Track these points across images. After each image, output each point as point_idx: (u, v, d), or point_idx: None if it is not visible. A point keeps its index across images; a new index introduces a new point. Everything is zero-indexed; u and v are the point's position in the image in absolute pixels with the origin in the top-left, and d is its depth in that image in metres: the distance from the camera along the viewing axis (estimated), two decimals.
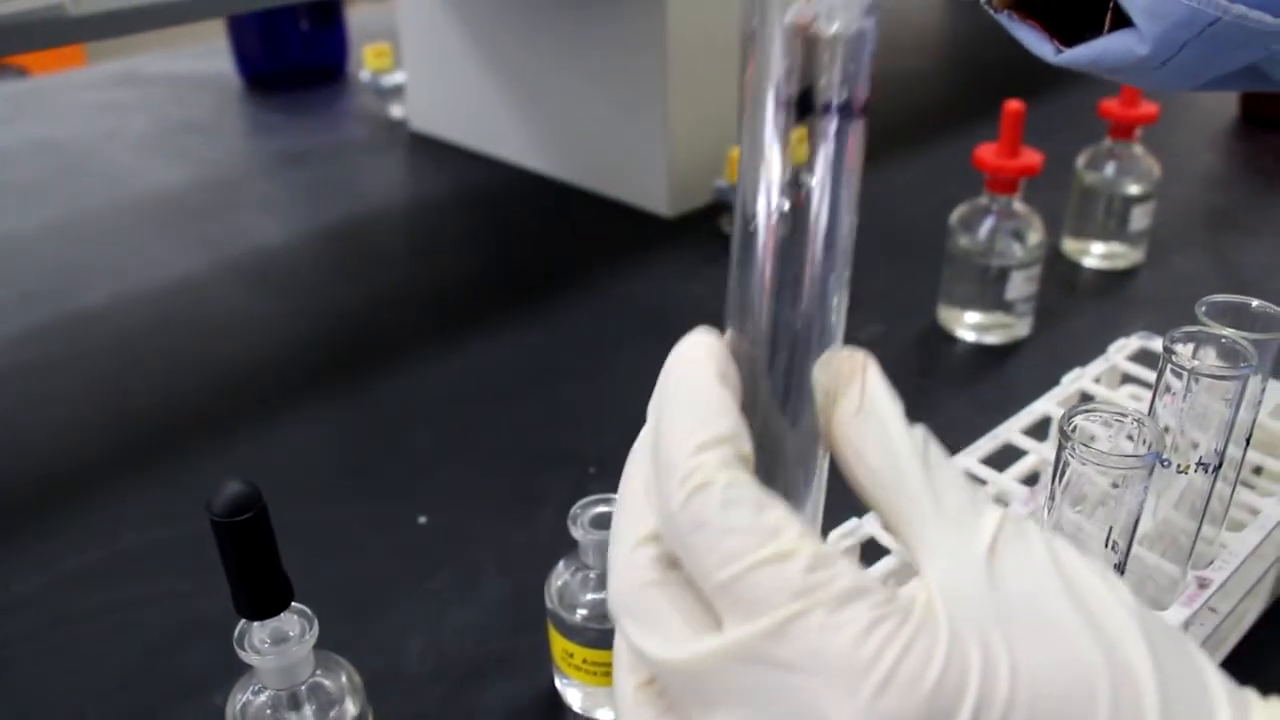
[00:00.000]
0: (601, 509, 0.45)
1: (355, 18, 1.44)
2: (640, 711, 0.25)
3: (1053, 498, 0.36)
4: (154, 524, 0.62)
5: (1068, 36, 0.38)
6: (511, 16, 1.04)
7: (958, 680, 0.21)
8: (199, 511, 0.63)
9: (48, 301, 0.87)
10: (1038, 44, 0.39)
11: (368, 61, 1.24)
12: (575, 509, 0.45)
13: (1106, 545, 0.35)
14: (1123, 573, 0.36)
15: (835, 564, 0.22)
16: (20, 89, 1.46)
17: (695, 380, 0.25)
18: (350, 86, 1.36)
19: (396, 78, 1.22)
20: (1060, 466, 0.35)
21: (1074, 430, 0.34)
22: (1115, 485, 0.34)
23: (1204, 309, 0.41)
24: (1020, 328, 0.79)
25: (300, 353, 0.80)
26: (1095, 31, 0.37)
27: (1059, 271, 0.89)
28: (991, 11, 0.40)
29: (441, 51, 1.12)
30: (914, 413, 0.77)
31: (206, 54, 1.45)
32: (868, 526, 0.46)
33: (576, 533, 0.45)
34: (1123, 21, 0.36)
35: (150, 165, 1.14)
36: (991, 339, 0.78)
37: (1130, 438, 0.34)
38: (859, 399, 0.25)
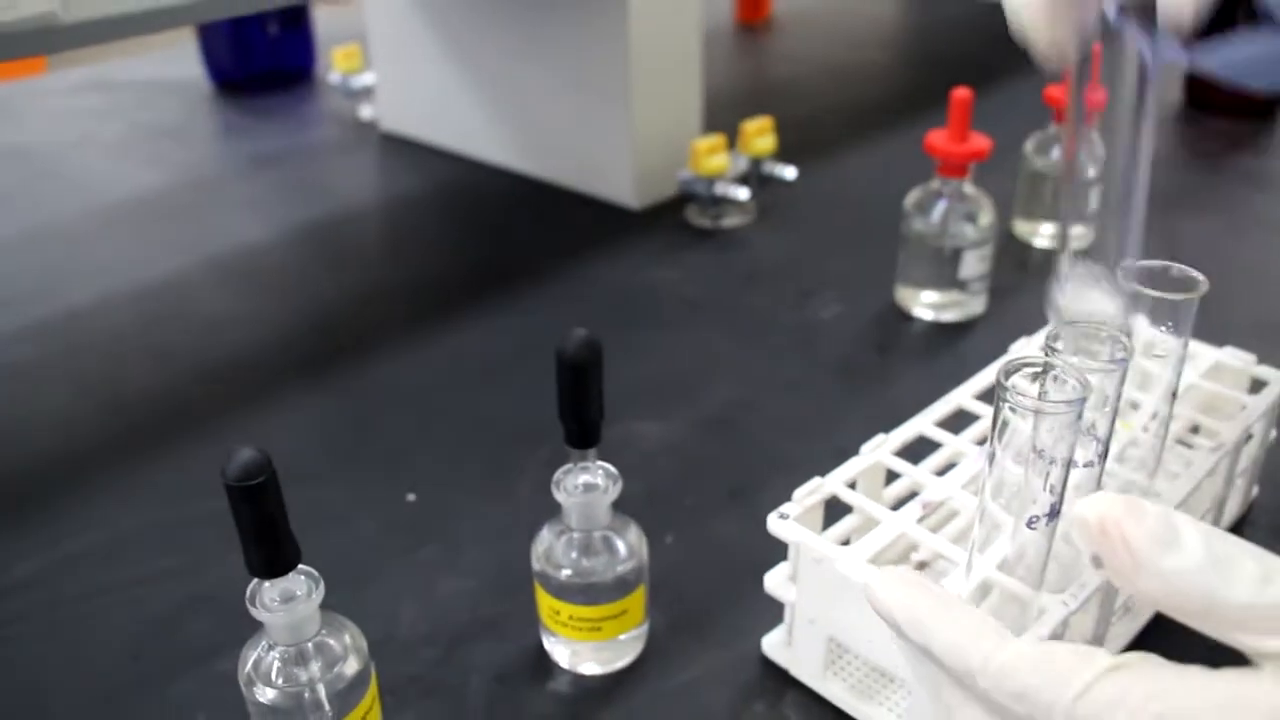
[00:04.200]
0: (585, 478, 0.48)
1: (323, 20, 1.46)
2: None
3: (994, 452, 0.39)
4: (149, 509, 0.64)
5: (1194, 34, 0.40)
6: (478, 17, 1.07)
7: None
8: (192, 496, 0.66)
9: (32, 304, 0.89)
10: (1161, 46, 0.41)
11: (337, 63, 1.27)
12: (558, 474, 0.48)
13: (1045, 489, 0.39)
14: (1058, 515, 0.40)
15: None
16: None
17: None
18: (319, 89, 1.39)
19: (366, 79, 1.25)
20: (998, 420, 0.39)
21: (1009, 383, 0.37)
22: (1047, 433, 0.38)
23: (1131, 274, 0.45)
24: (974, 305, 0.82)
25: (284, 346, 0.82)
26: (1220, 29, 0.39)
27: (1011, 252, 0.93)
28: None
29: (410, 52, 1.15)
30: (874, 386, 0.81)
31: (173, 59, 1.46)
32: (829, 485, 0.49)
33: (560, 496, 0.48)
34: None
35: (123, 170, 1.16)
36: (948, 316, 0.82)
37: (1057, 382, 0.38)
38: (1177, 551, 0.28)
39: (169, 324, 0.86)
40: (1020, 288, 0.87)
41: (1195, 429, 0.61)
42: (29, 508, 0.65)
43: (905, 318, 0.83)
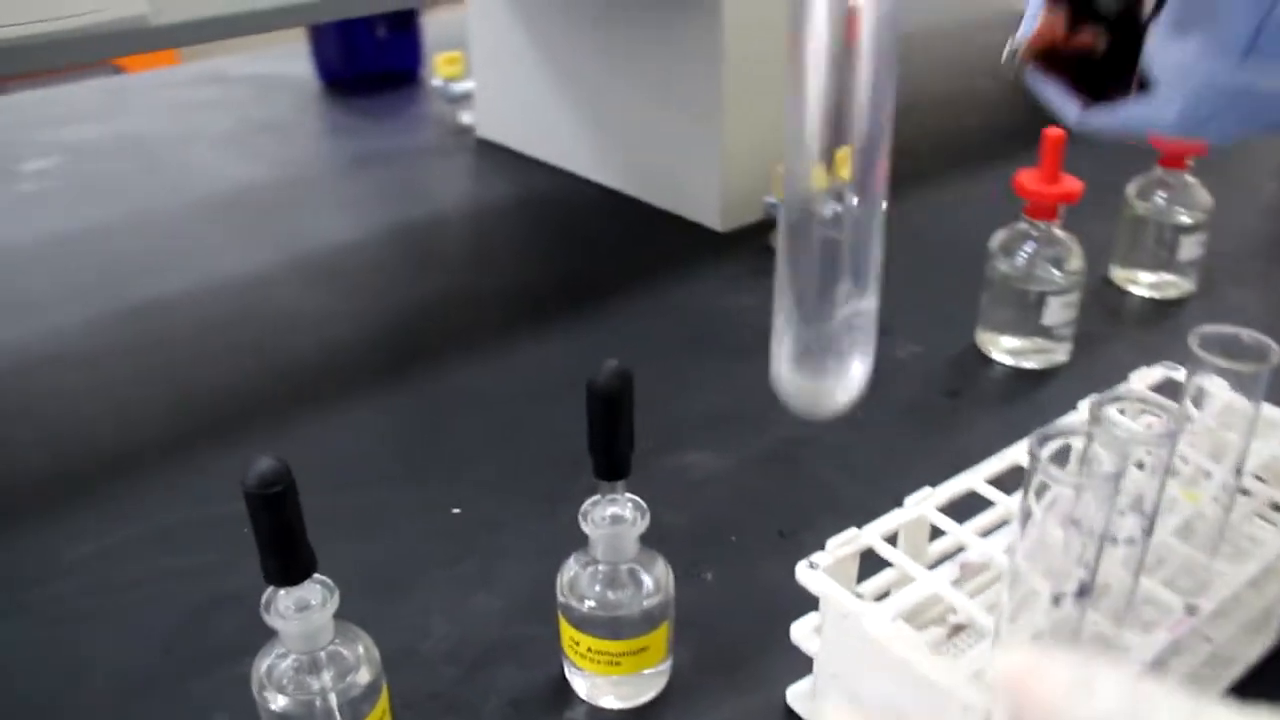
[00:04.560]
0: (613, 509, 0.48)
1: (430, 26, 1.48)
2: None
3: (1028, 509, 0.37)
4: (201, 502, 0.66)
5: (1094, 93, 0.39)
6: (577, 29, 1.07)
7: None
8: None
9: (125, 289, 0.92)
10: (1062, 103, 0.40)
11: (439, 69, 1.29)
12: (586, 505, 0.48)
13: (1077, 564, 0.37)
14: (1088, 593, 0.38)
15: None
16: (113, 86, 1.53)
17: None
18: (423, 92, 1.41)
19: (466, 85, 1.26)
20: (1035, 478, 0.37)
21: (1044, 454, 0.36)
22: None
23: (1197, 340, 0.42)
24: (1058, 353, 0.79)
25: (359, 346, 0.84)
26: (1120, 89, 0.38)
27: (1105, 299, 0.89)
28: (1014, 68, 0.41)
29: (509, 61, 1.15)
30: (944, 432, 0.78)
31: (288, 56, 1.50)
32: (865, 537, 0.48)
33: (587, 528, 0.47)
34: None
35: (228, 163, 1.19)
36: (1029, 364, 0.79)
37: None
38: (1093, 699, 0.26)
39: (252, 318, 0.87)
40: (1110, 337, 0.83)
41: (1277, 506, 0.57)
42: (90, 494, 0.67)
43: (984, 362, 0.80)
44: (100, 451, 0.72)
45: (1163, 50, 0.35)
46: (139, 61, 2.21)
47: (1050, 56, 0.41)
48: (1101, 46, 0.39)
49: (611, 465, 0.45)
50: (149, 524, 0.64)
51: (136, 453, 0.71)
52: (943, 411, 0.75)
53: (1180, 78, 0.34)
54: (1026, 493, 0.38)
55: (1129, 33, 0.39)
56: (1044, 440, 0.37)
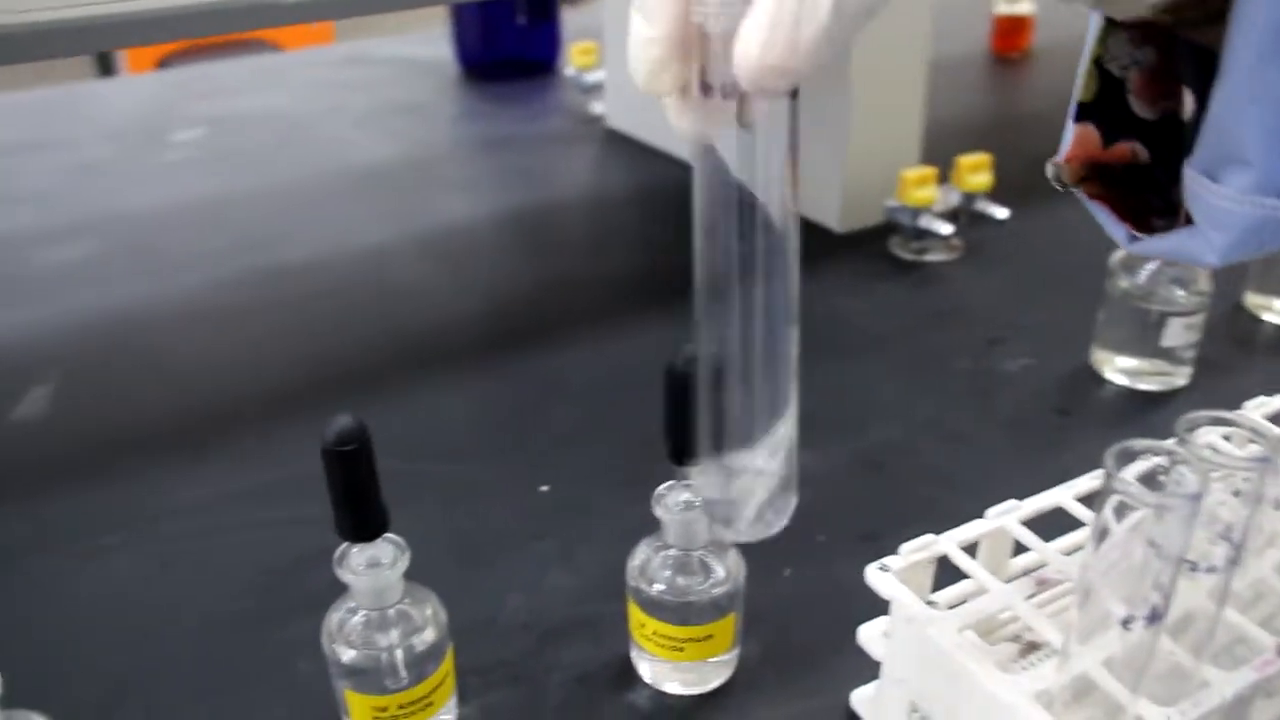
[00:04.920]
0: (686, 495, 0.48)
1: (569, 17, 1.50)
2: None
3: (1105, 526, 0.36)
4: (306, 459, 0.68)
5: (1138, 217, 0.37)
6: None
7: None
8: None
9: (254, 254, 0.96)
10: (1112, 226, 0.38)
11: (573, 58, 1.30)
12: (660, 490, 0.48)
13: (1151, 586, 0.36)
14: (1160, 619, 0.36)
15: None
16: (267, 62, 1.59)
17: None
18: (558, 81, 1.43)
19: (598, 75, 1.28)
20: (1112, 499, 0.36)
21: (1123, 470, 0.34)
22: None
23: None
24: (1177, 377, 0.76)
25: (466, 323, 0.86)
26: (1163, 216, 0.36)
27: (1236, 324, 0.86)
28: (1061, 188, 0.39)
29: None
30: (1048, 450, 0.76)
31: (431, 41, 1.54)
32: (941, 544, 0.47)
33: (659, 512, 0.47)
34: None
35: (363, 140, 1.23)
36: (1145, 385, 0.76)
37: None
38: None
39: (365, 290, 0.90)
40: (1237, 365, 0.80)
41: None
42: (208, 444, 0.71)
43: (1097, 381, 0.78)
44: (218, 404, 0.75)
45: (1197, 196, 0.33)
46: (295, 39, 2.30)
47: (1094, 173, 0.38)
48: (1143, 157, 0.37)
49: (681, 450, 0.45)
50: (253, 477, 0.67)
51: (248, 408, 0.74)
52: (1050, 429, 0.73)
53: (1219, 223, 0.33)
54: (1103, 509, 0.37)
55: (1171, 139, 0.36)
56: (1125, 456, 0.36)
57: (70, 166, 1.17)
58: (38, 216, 1.05)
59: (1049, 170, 0.38)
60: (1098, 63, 0.36)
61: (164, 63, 2.28)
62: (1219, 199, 0.32)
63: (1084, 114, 0.38)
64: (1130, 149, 0.37)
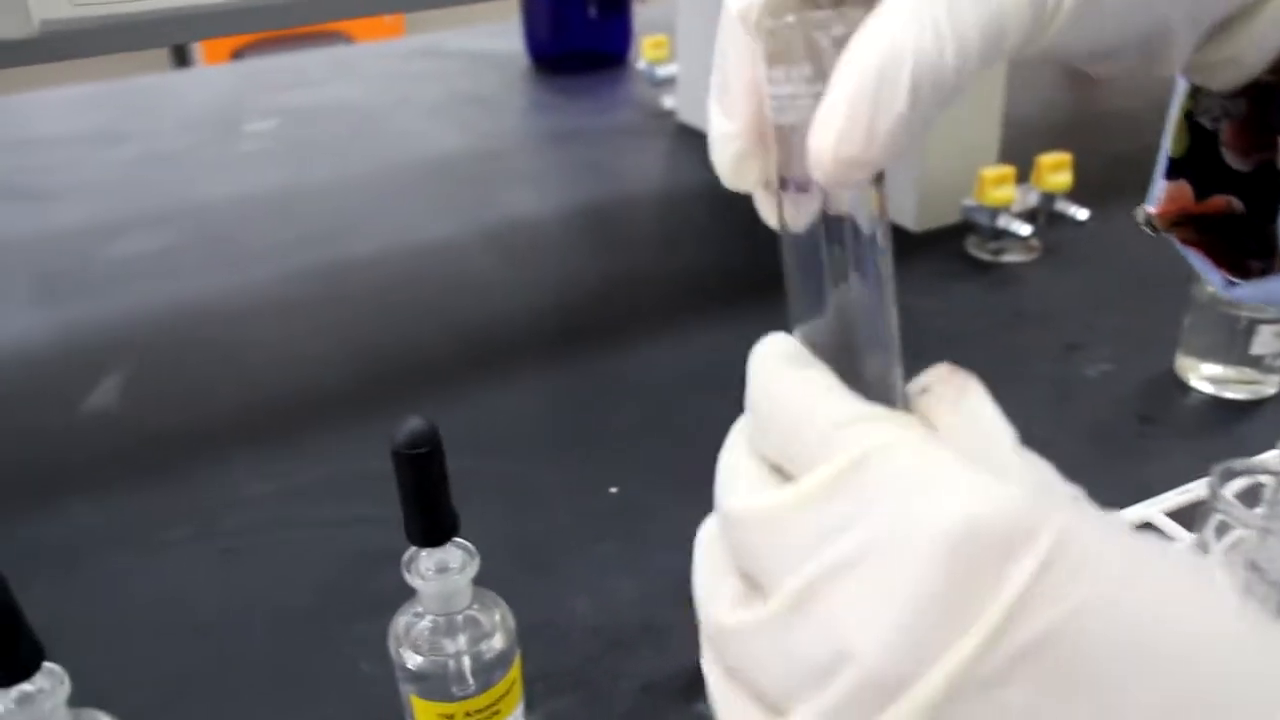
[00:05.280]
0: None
1: (640, 10, 1.49)
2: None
3: (1205, 545, 0.35)
4: (371, 456, 0.67)
5: (1234, 260, 0.36)
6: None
7: (1038, 516, 0.20)
8: None
9: (320, 246, 0.96)
10: (1208, 271, 0.37)
11: (645, 52, 1.29)
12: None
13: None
14: None
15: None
16: (340, 54, 1.60)
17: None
18: (629, 74, 1.42)
19: (670, 69, 1.27)
20: (1213, 518, 0.34)
21: (1227, 489, 0.33)
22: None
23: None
24: (1266, 386, 0.73)
25: (532, 319, 0.85)
26: (1260, 258, 0.35)
27: None
28: (1152, 233, 0.38)
29: (714, 47, 1.15)
30: (1129, 459, 0.74)
31: (502, 33, 1.54)
32: None
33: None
34: None
35: (432, 132, 1.23)
36: (1232, 394, 0.74)
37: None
38: (955, 395, 0.25)
39: (431, 283, 0.90)
40: None
41: None
42: (275, 437, 0.71)
43: (1181, 389, 0.75)
44: (284, 397, 0.75)
45: None
46: (368, 31, 2.32)
47: (1187, 219, 0.37)
48: (1238, 208, 0.35)
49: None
50: (320, 472, 0.67)
51: (316, 402, 0.74)
52: (1132, 436, 0.70)
53: None
54: (1205, 528, 0.35)
55: (1266, 188, 0.34)
56: (1229, 475, 0.34)
57: (145, 158, 1.18)
58: (112, 208, 1.06)
59: (1139, 216, 0.37)
60: (1188, 116, 0.35)
61: (238, 54, 2.31)
62: None
63: (1175, 170, 0.37)
64: (1225, 201, 0.36)
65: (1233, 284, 0.36)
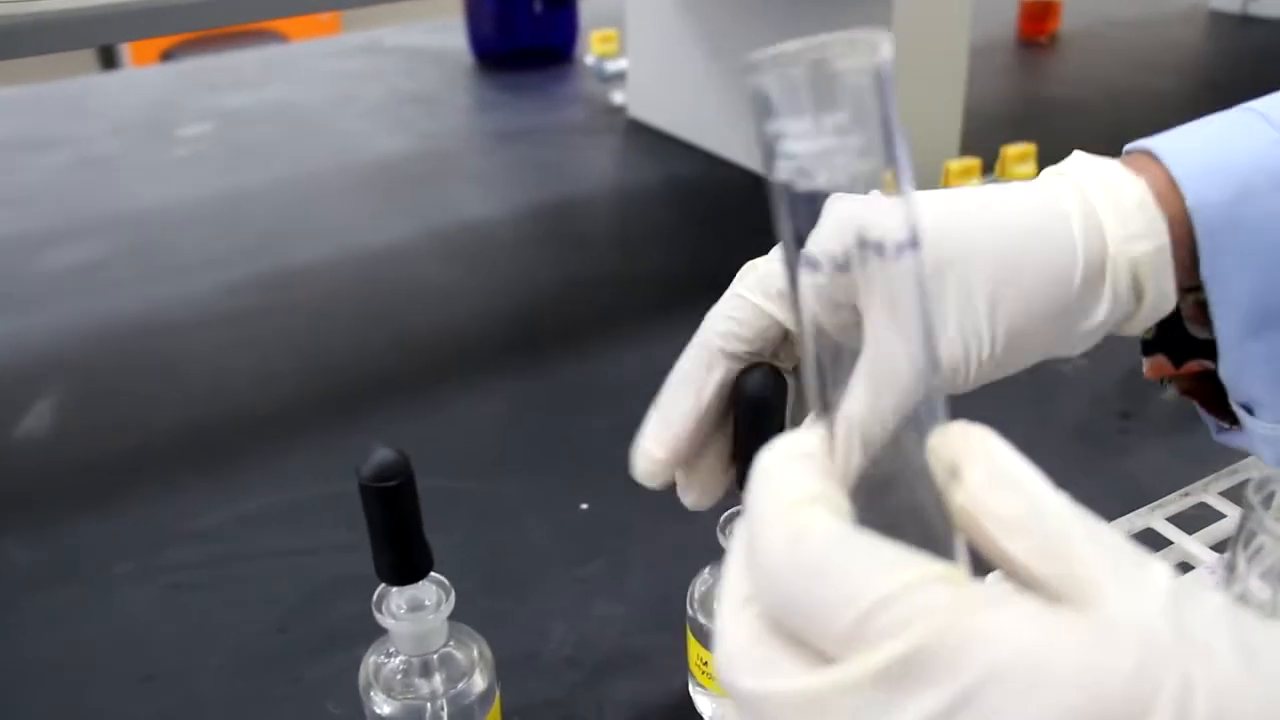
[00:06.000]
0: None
1: (586, 3, 1.46)
2: None
3: (1234, 563, 0.33)
4: (330, 477, 0.64)
5: (1223, 406, 0.42)
6: (736, 12, 1.03)
7: (1150, 687, 0.18)
8: None
9: (262, 254, 0.92)
10: (1204, 416, 0.44)
11: (593, 46, 1.26)
12: (724, 518, 0.44)
13: None
14: None
15: (976, 582, 0.20)
16: (274, 54, 1.55)
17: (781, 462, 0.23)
18: (577, 70, 1.39)
19: (619, 64, 1.24)
20: (1245, 527, 0.32)
21: (1269, 497, 0.31)
22: None
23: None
24: None
25: (490, 326, 0.82)
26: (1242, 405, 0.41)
27: None
28: (1159, 385, 0.46)
29: (665, 42, 1.12)
30: (1111, 459, 0.72)
31: (442, 29, 1.50)
32: None
33: (724, 541, 0.44)
34: None
35: (373, 133, 1.19)
36: None
37: None
38: (988, 470, 0.22)
39: (381, 290, 0.86)
40: None
41: None
42: (223, 460, 0.67)
43: (1159, 384, 0.74)
44: (232, 417, 0.71)
45: (1243, 421, 0.40)
46: (302, 29, 2.26)
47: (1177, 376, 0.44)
48: (1212, 367, 0.41)
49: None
50: (271, 497, 0.63)
51: (266, 421, 0.70)
52: (1109, 435, 0.69)
53: (1265, 441, 0.39)
54: (1236, 544, 0.33)
55: None
56: (1265, 490, 0.32)
57: (74, 164, 1.13)
58: (39, 217, 1.01)
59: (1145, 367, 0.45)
60: None
61: (168, 55, 2.24)
62: (1258, 428, 0.39)
63: (1149, 348, 0.44)
64: (1199, 364, 0.43)
65: (1223, 429, 0.43)
